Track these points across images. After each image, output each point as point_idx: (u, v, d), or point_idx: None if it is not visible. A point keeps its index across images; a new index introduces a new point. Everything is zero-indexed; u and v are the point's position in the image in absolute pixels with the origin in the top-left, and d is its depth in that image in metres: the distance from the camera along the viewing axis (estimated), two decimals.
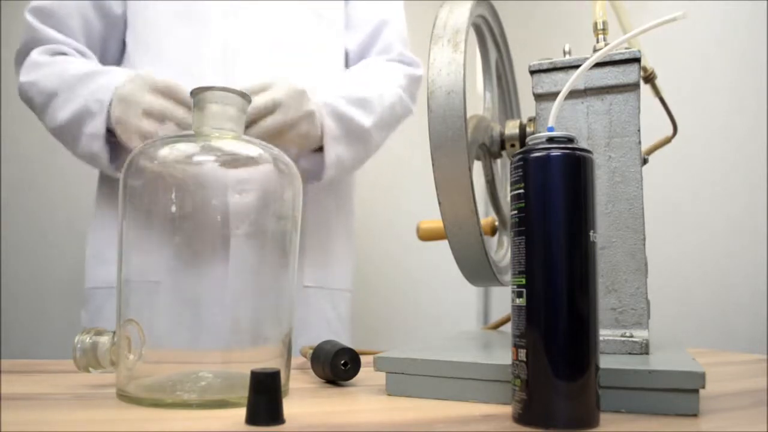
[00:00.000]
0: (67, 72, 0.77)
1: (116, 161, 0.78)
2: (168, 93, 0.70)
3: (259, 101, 0.70)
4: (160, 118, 0.69)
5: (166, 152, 0.42)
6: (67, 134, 0.77)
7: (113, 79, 0.74)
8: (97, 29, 0.86)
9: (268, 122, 0.72)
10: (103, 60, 0.88)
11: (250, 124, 0.71)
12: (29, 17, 0.82)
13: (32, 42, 0.82)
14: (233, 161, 0.44)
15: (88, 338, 0.42)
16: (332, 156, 0.80)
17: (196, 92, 0.45)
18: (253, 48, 0.82)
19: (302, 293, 0.87)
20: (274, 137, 0.72)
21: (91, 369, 0.42)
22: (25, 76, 0.80)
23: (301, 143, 0.77)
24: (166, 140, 0.43)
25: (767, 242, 1.02)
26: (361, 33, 0.94)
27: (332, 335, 0.84)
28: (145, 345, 0.40)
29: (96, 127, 0.73)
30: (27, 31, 0.82)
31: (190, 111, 0.68)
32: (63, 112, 0.75)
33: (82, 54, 0.84)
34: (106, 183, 0.88)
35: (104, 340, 0.42)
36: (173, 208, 0.41)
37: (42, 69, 0.79)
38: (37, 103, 0.79)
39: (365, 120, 0.83)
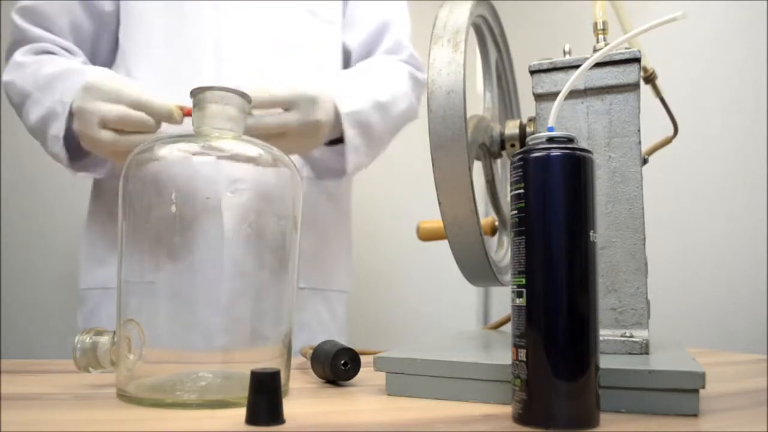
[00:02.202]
0: (41, 72, 0.77)
1: (77, 162, 0.79)
2: (138, 108, 0.68)
3: (278, 94, 0.70)
4: (119, 125, 0.68)
5: (165, 152, 0.42)
6: (38, 135, 0.77)
7: (80, 80, 0.72)
8: (87, 27, 0.86)
9: (279, 119, 0.70)
10: (94, 58, 0.87)
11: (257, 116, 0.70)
12: (16, 17, 0.82)
13: (19, 42, 0.82)
14: (231, 161, 0.44)
15: (88, 338, 0.42)
16: (352, 165, 0.81)
17: (196, 92, 0.45)
18: (244, 47, 0.82)
19: (296, 295, 0.86)
20: (275, 137, 0.71)
21: (91, 369, 0.42)
22: (6, 75, 0.80)
23: (300, 149, 0.77)
24: (166, 140, 0.43)
25: (767, 242, 1.02)
26: (364, 31, 0.94)
27: (327, 337, 0.84)
28: (145, 345, 0.40)
29: (58, 128, 0.73)
30: (14, 31, 0.82)
31: (151, 116, 0.67)
32: (33, 114, 0.76)
33: (70, 52, 0.83)
34: (101, 184, 0.88)
35: (104, 340, 0.42)
36: (171, 208, 0.41)
37: (21, 69, 0.79)
38: (14, 103, 0.79)
39: (383, 126, 0.84)
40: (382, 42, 0.93)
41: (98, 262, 0.84)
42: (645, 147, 0.53)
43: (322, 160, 0.83)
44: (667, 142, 0.63)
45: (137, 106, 0.67)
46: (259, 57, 0.82)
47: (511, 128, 0.56)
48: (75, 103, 0.71)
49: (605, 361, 0.37)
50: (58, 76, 0.75)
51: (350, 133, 0.79)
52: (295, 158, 0.81)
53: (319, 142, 0.77)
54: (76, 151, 0.77)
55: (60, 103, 0.73)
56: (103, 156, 0.74)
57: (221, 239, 0.43)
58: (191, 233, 0.43)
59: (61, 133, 0.73)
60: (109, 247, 0.84)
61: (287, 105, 0.71)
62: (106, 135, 0.68)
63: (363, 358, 0.48)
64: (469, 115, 0.47)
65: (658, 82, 0.58)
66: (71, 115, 0.72)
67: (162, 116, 0.67)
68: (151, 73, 0.80)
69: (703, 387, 0.36)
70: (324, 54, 0.90)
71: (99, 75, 0.72)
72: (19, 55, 0.81)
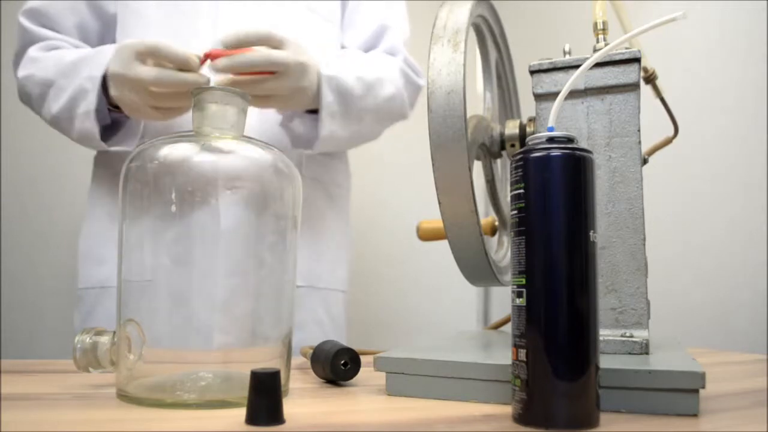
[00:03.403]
0: (63, 60, 0.78)
1: (111, 137, 0.80)
2: (155, 54, 0.70)
3: (275, 56, 0.70)
4: (155, 84, 0.70)
5: (165, 152, 0.42)
6: (65, 119, 0.77)
7: (107, 54, 0.74)
8: (93, 28, 0.86)
9: (268, 85, 0.72)
10: None
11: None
12: (23, 20, 0.83)
13: (28, 43, 0.82)
14: (231, 161, 0.44)
15: (88, 338, 0.42)
16: (326, 131, 0.80)
17: (196, 92, 0.45)
18: (242, 45, 0.81)
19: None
20: (263, 98, 0.73)
21: (91, 369, 0.42)
22: (23, 71, 0.80)
23: (288, 107, 0.78)
24: (166, 140, 0.43)
25: (767, 242, 1.02)
26: (361, 34, 0.94)
27: (323, 337, 0.84)
28: (145, 345, 0.40)
29: (89, 104, 0.74)
30: (22, 34, 0.83)
31: (181, 68, 0.70)
32: (60, 98, 0.76)
33: (78, 48, 0.84)
34: (99, 183, 0.88)
35: (104, 340, 0.42)
36: (171, 208, 0.41)
37: (39, 62, 0.79)
38: (35, 95, 0.79)
39: (364, 101, 0.82)
40: (379, 46, 0.93)
41: (96, 262, 0.84)
42: (645, 147, 0.53)
43: (295, 126, 0.83)
44: (668, 142, 0.63)
45: (157, 51, 0.70)
46: None
47: (511, 128, 0.56)
48: (110, 67, 0.72)
49: (605, 361, 0.37)
50: (83, 59, 0.76)
51: (328, 98, 0.78)
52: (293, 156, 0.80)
53: (306, 103, 0.77)
54: (105, 130, 0.78)
55: (89, 79, 0.74)
56: (139, 115, 0.74)
57: (221, 239, 0.43)
58: (191, 233, 0.43)
59: (93, 107, 0.74)
60: (107, 246, 0.84)
61: (276, 43, 0.72)
62: (147, 70, 0.69)
63: (363, 358, 0.48)
64: (469, 115, 0.47)
65: (658, 82, 0.58)
66: (103, 90, 0.74)
67: (180, 61, 0.69)
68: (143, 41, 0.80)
69: (703, 387, 0.36)
70: (322, 51, 0.89)
71: (118, 45, 0.74)
72: (32, 51, 0.81)
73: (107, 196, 0.86)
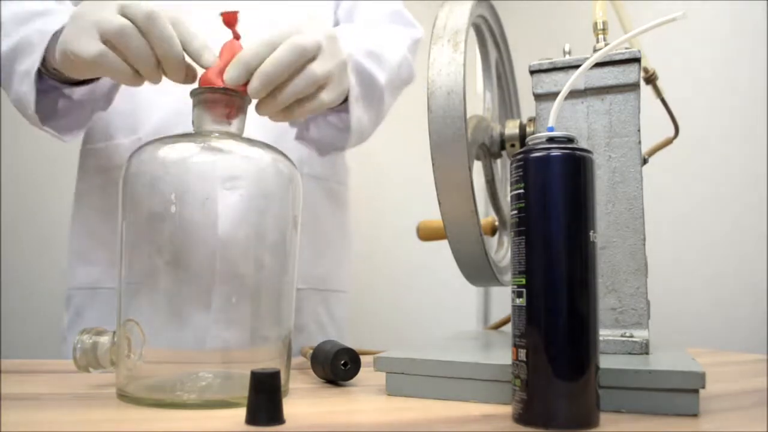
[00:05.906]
0: (25, 8, 0.65)
1: (43, 109, 0.64)
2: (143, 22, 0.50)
3: (306, 42, 0.54)
4: (115, 38, 0.50)
5: (165, 152, 0.42)
6: (4, 72, 0.65)
7: (69, 15, 0.56)
8: None
9: (316, 68, 0.55)
10: None
11: (293, 75, 0.54)
12: None
13: None
14: (231, 161, 0.44)
15: (88, 338, 0.42)
16: (355, 118, 0.69)
17: (197, 92, 0.45)
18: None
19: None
20: (309, 95, 0.57)
21: (91, 369, 0.42)
22: None
23: (337, 97, 0.61)
24: (165, 140, 0.43)
25: (767, 242, 1.02)
26: (344, 7, 0.90)
27: (325, 338, 0.83)
28: (145, 345, 0.40)
29: (31, 62, 0.60)
30: None
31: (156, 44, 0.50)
32: (3, 46, 0.64)
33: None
34: (85, 180, 0.84)
35: (104, 340, 0.42)
36: (170, 208, 0.41)
37: (2, 7, 0.67)
38: None
39: (381, 77, 0.74)
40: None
41: (85, 261, 0.81)
42: (645, 147, 0.53)
43: (313, 134, 0.74)
44: (668, 142, 0.63)
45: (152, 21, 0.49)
46: None
47: (511, 128, 0.56)
48: (75, 10, 0.55)
49: (605, 361, 0.37)
50: (43, 12, 0.64)
51: (351, 81, 0.66)
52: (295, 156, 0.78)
53: (347, 86, 0.64)
54: (46, 105, 0.65)
55: (39, 33, 0.60)
56: (96, 67, 0.52)
57: (221, 239, 0.43)
58: (191, 233, 0.43)
59: (35, 68, 0.60)
60: (95, 247, 0.80)
61: (311, 54, 0.55)
62: (97, 45, 0.50)
63: (363, 358, 0.48)
64: (469, 115, 0.47)
65: (659, 82, 0.58)
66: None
67: (195, 51, 0.50)
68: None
69: (703, 387, 0.36)
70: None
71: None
72: None
73: (95, 192, 0.81)
